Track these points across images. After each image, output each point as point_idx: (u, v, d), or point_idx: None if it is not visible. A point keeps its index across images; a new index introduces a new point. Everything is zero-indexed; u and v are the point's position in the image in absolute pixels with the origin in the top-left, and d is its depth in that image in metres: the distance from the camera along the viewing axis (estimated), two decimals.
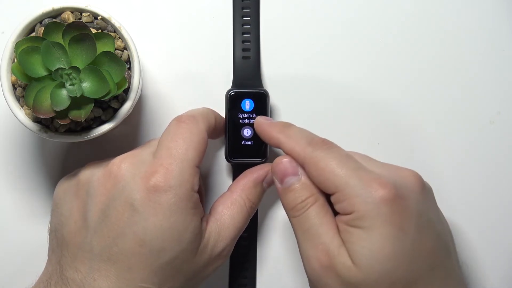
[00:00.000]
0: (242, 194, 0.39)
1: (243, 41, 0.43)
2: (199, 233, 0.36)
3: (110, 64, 0.35)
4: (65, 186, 0.38)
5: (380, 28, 0.44)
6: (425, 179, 0.36)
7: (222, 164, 0.44)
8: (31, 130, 0.37)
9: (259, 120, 0.39)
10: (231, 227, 0.38)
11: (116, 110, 0.38)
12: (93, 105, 0.35)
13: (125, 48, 0.38)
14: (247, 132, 0.41)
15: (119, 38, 0.38)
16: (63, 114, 0.35)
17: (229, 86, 0.42)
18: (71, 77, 0.35)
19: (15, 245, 0.44)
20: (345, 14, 0.44)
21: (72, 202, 0.37)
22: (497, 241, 0.44)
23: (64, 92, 0.35)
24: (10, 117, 0.39)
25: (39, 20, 0.37)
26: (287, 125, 0.38)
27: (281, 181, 0.36)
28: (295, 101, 0.44)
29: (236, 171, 0.42)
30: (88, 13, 0.38)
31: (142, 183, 0.34)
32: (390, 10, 0.44)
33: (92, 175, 0.37)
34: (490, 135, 0.44)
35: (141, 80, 0.39)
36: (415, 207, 0.33)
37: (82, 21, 0.36)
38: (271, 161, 0.38)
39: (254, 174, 0.40)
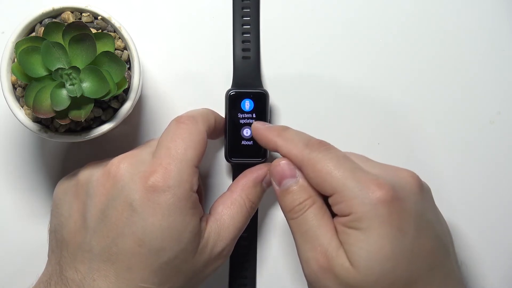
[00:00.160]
0: (242, 194, 0.39)
1: (243, 41, 0.43)
2: (198, 233, 0.36)
3: (110, 64, 0.35)
4: (64, 186, 0.38)
5: (380, 28, 0.44)
6: (425, 179, 0.36)
7: (222, 164, 0.44)
8: (31, 130, 0.37)
9: (256, 125, 0.39)
10: (231, 227, 0.38)
11: (116, 110, 0.38)
12: (93, 105, 0.35)
13: (125, 48, 0.38)
14: (247, 132, 0.41)
15: (119, 38, 0.38)
16: (63, 114, 0.35)
17: (229, 86, 0.42)
18: (71, 77, 0.35)
19: (15, 245, 0.44)
20: (345, 14, 0.44)
21: (71, 202, 0.37)
22: (497, 241, 0.44)
23: (64, 92, 0.35)
24: (10, 117, 0.39)
25: (39, 20, 0.37)
26: (284, 129, 0.38)
27: (279, 183, 0.36)
28: (295, 101, 0.44)
29: (236, 171, 0.42)
30: (88, 13, 0.38)
31: (141, 183, 0.34)
32: (390, 10, 0.44)
33: (91, 175, 0.37)
34: (490, 135, 0.44)
35: (141, 80, 0.39)
36: (413, 207, 0.33)
37: (82, 21, 0.36)
38: (271, 161, 0.38)
39: (253, 174, 0.39)
